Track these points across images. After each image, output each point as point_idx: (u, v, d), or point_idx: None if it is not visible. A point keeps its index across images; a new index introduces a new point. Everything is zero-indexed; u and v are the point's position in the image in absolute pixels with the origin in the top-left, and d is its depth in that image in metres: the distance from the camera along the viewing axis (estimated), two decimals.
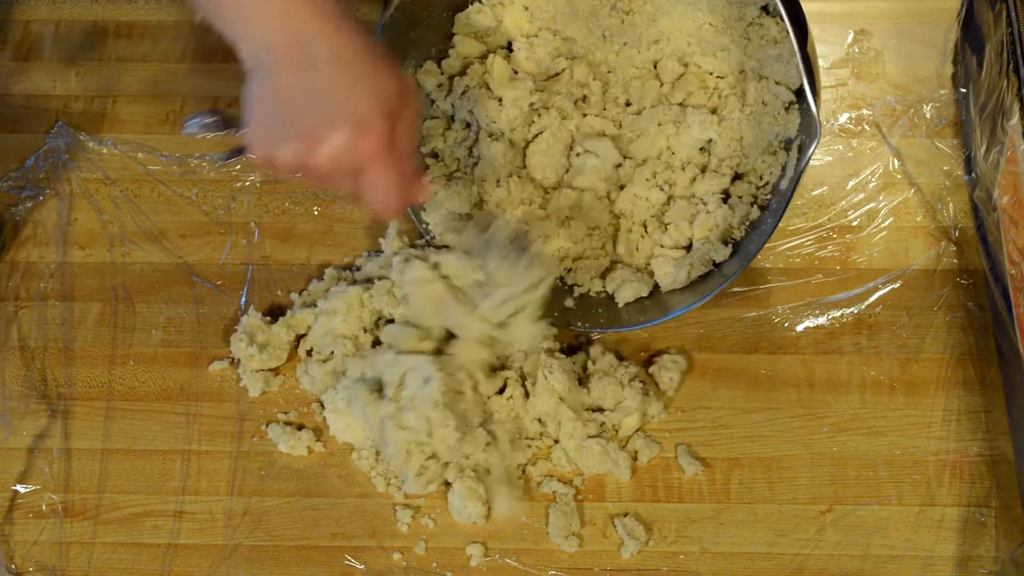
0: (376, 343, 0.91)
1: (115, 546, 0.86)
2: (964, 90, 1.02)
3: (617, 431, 0.89)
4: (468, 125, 0.97)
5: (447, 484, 0.86)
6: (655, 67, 0.97)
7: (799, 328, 0.94)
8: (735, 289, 0.95)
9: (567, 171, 0.95)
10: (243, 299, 0.95)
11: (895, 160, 1.02)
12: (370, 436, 0.88)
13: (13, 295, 0.97)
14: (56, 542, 0.86)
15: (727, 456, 0.88)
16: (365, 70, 0.78)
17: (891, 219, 0.99)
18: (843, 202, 1.00)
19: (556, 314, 0.91)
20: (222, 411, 0.91)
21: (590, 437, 0.87)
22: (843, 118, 1.04)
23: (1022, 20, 0.87)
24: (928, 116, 1.04)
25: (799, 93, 0.92)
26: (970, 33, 1.00)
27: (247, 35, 0.76)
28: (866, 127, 1.04)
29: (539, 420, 0.88)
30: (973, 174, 0.99)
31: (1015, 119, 0.86)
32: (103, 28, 1.11)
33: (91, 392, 0.93)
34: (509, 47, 0.99)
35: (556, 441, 0.88)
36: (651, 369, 0.91)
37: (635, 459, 0.88)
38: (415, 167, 0.80)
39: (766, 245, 0.98)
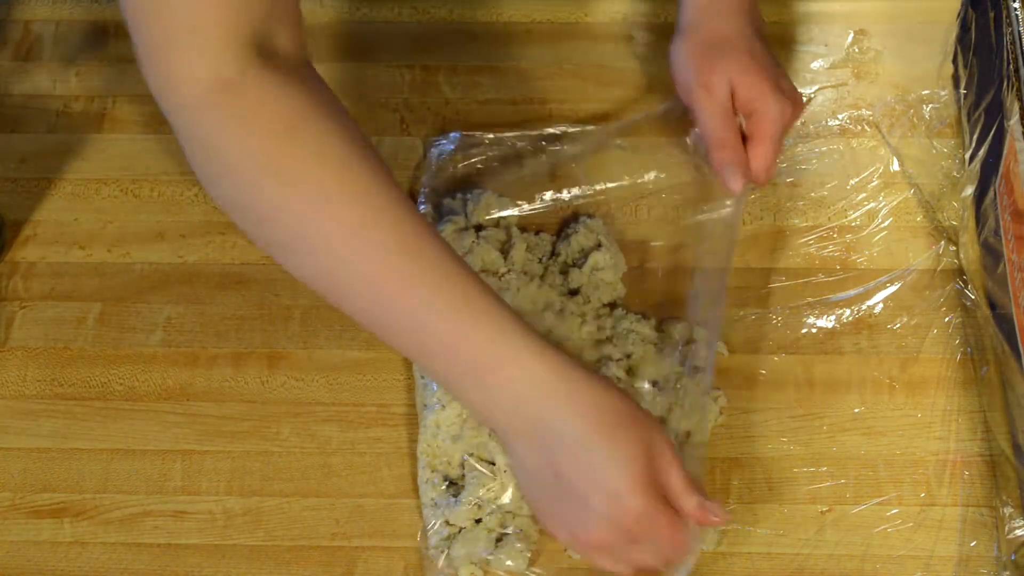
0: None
1: (115, 546, 0.86)
2: (964, 90, 1.02)
3: None
4: None
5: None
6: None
7: (799, 328, 0.94)
8: (735, 289, 0.95)
9: None
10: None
11: (895, 160, 1.02)
12: None
13: (13, 295, 0.97)
14: (56, 542, 0.86)
15: (727, 456, 0.88)
16: (606, 438, 0.74)
17: (891, 219, 0.99)
18: (843, 202, 1.00)
19: None
20: (222, 411, 0.91)
21: None
22: (843, 118, 1.04)
23: (1022, 20, 0.87)
24: (928, 116, 1.04)
25: None
26: (970, 33, 1.00)
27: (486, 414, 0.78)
28: (866, 127, 1.04)
29: None
30: (973, 174, 0.99)
31: (1015, 119, 0.86)
32: (103, 28, 1.11)
33: (91, 392, 0.92)
34: None
35: None
36: None
37: None
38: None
39: (767, 245, 0.98)
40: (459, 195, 0.99)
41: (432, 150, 1.02)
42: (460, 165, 1.01)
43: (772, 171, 0.93)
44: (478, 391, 0.76)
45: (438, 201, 0.99)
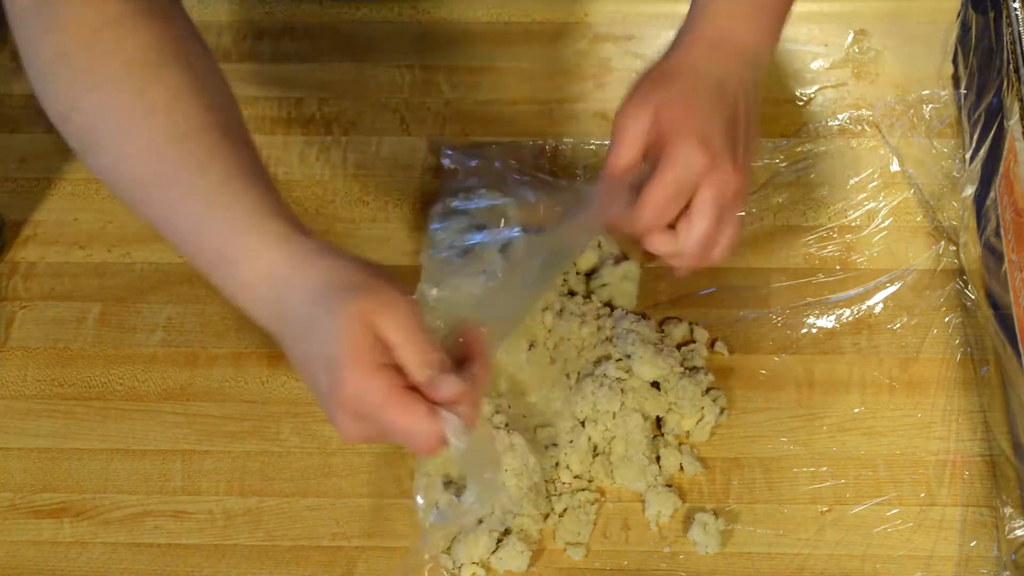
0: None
1: (115, 546, 0.86)
2: (964, 90, 1.02)
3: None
4: None
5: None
6: None
7: (799, 328, 0.94)
8: (734, 289, 0.95)
9: None
10: None
11: (895, 160, 1.02)
12: None
13: (13, 295, 0.97)
14: (56, 542, 0.86)
15: (727, 456, 0.88)
16: (326, 309, 0.68)
17: (891, 219, 0.99)
18: (843, 202, 1.00)
19: None
20: (222, 411, 0.91)
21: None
22: (843, 118, 1.04)
23: (1022, 20, 0.87)
24: (928, 116, 1.04)
25: None
26: (970, 33, 1.00)
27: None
28: (866, 127, 1.04)
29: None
30: (973, 174, 0.99)
31: (1015, 119, 0.86)
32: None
33: (91, 392, 0.93)
34: None
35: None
36: None
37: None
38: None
39: (767, 245, 0.98)
40: (462, 194, 0.99)
41: (444, 160, 1.02)
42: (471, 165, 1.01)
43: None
44: (232, 286, 0.73)
45: (446, 199, 0.99)
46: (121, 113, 0.74)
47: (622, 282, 0.95)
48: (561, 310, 0.92)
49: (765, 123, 0.98)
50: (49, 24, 0.75)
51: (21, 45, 0.77)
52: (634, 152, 0.77)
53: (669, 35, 1.06)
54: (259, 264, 0.71)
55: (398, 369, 0.67)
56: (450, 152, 1.02)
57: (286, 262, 0.70)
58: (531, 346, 0.90)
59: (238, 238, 0.71)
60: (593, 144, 1.03)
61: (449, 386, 0.67)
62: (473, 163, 1.01)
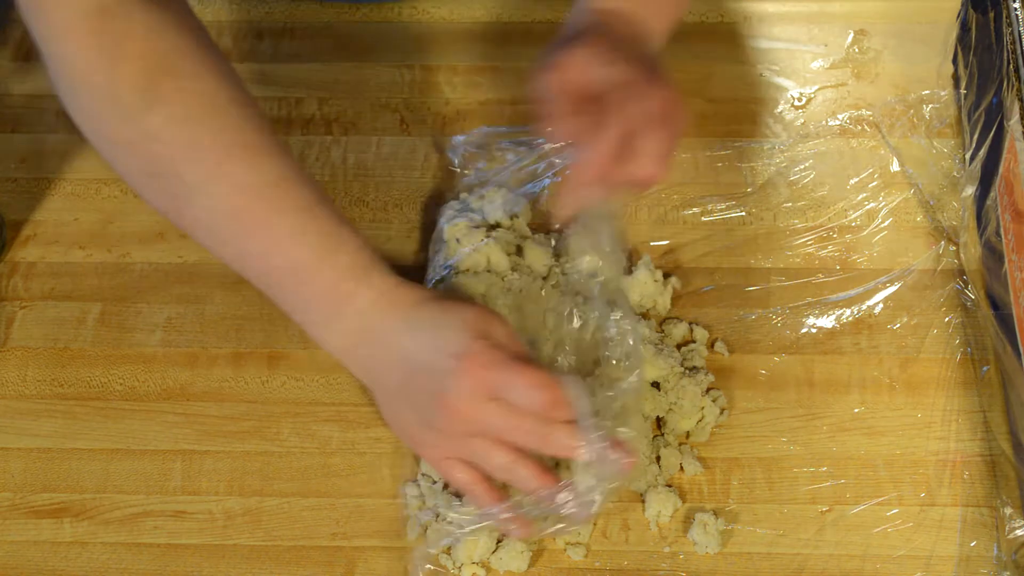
0: None
1: (115, 546, 0.86)
2: (964, 90, 1.02)
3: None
4: None
5: None
6: None
7: (799, 328, 0.94)
8: (734, 289, 0.95)
9: None
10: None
11: (895, 160, 1.02)
12: None
13: (13, 295, 0.97)
14: (56, 542, 0.86)
15: (727, 456, 0.88)
16: (437, 311, 0.80)
17: (891, 219, 0.99)
18: (843, 202, 1.00)
19: None
20: (222, 411, 0.91)
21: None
22: (843, 118, 1.04)
23: (1022, 20, 0.87)
24: (928, 116, 1.04)
25: None
26: (970, 33, 1.00)
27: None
28: (866, 127, 1.04)
29: None
30: (973, 174, 0.99)
31: (1015, 119, 0.86)
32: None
33: (91, 392, 0.93)
34: None
35: None
36: None
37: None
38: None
39: (767, 245, 0.98)
40: (477, 192, 0.99)
41: (453, 150, 1.02)
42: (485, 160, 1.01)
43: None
44: (333, 319, 0.81)
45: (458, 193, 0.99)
46: (206, 152, 0.76)
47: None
48: (563, 311, 0.92)
49: (765, 123, 0.98)
50: (112, 45, 0.74)
51: (60, 62, 0.76)
52: (563, 94, 0.81)
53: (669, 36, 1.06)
54: (365, 298, 0.80)
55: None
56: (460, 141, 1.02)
57: (385, 295, 0.80)
58: (531, 344, 0.91)
59: (354, 278, 0.80)
60: None
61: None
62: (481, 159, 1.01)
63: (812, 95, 1.06)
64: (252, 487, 0.88)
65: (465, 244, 0.93)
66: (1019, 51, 0.86)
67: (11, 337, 0.95)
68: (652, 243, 0.98)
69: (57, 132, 1.06)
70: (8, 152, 1.05)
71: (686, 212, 0.99)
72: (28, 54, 1.10)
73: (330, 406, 0.91)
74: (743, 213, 1.00)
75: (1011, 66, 0.87)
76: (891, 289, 0.95)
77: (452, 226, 0.95)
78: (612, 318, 0.92)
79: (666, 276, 0.95)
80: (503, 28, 1.12)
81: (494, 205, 0.97)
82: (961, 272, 0.95)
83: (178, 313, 0.96)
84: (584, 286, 0.93)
